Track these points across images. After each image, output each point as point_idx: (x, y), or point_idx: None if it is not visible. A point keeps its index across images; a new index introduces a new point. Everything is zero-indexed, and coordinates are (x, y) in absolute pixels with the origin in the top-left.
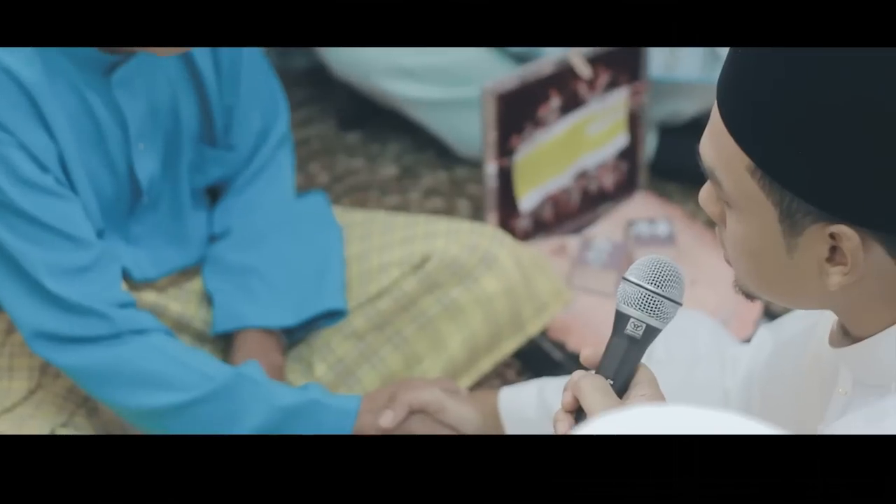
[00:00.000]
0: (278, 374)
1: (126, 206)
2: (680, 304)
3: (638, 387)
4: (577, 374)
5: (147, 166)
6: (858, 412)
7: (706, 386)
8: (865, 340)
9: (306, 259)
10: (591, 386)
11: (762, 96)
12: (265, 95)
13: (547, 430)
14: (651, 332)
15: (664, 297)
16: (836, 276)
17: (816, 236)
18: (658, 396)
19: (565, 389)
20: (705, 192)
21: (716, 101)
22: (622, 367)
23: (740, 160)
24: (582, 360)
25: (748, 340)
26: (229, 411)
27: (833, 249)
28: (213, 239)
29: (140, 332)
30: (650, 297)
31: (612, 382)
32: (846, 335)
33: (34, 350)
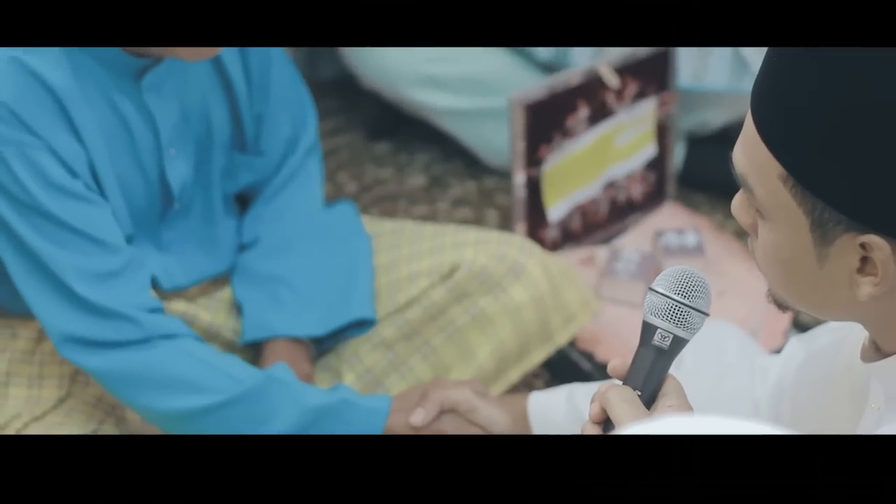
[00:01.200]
0: (307, 383)
1: (158, 213)
2: (707, 315)
3: (665, 398)
4: (605, 385)
5: (179, 172)
6: (893, 426)
7: (736, 395)
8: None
9: (335, 268)
10: (618, 397)
11: (795, 104)
12: (294, 103)
13: (574, 433)
14: (678, 343)
15: (691, 307)
16: (866, 286)
17: (847, 246)
18: (686, 407)
19: (593, 400)
20: (738, 201)
21: (749, 109)
22: (650, 377)
23: (773, 168)
24: (609, 370)
25: (777, 352)
26: (259, 413)
27: (864, 260)
28: (242, 248)
29: (169, 336)
30: (677, 308)
31: (639, 393)
32: (877, 350)
33: (63, 355)
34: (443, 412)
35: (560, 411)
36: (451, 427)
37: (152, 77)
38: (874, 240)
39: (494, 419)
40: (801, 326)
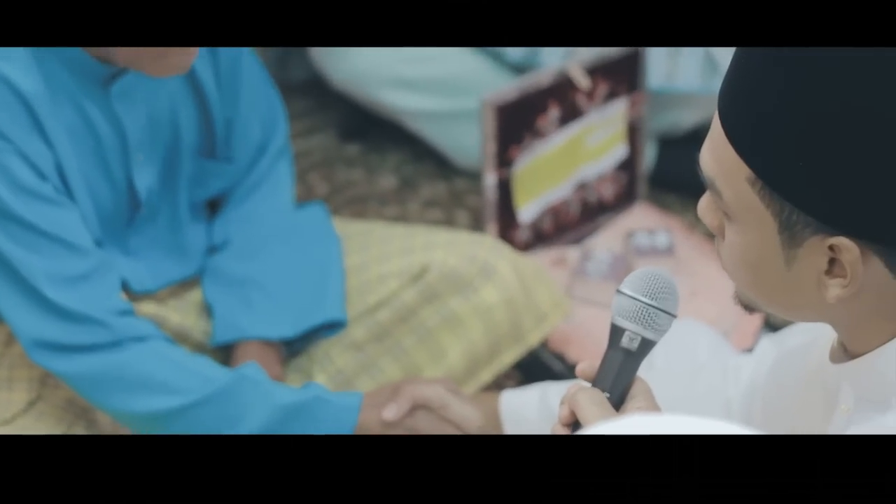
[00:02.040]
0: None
1: (124, 218)
2: (675, 316)
3: (634, 399)
4: (574, 387)
5: (146, 178)
6: (861, 427)
7: (708, 395)
8: (865, 356)
9: (305, 270)
10: (587, 399)
11: (762, 107)
12: (264, 106)
13: (546, 432)
14: (646, 345)
15: (659, 308)
16: (834, 288)
17: (816, 248)
18: (654, 408)
19: (562, 403)
20: (704, 203)
21: (717, 111)
22: (618, 379)
23: (740, 171)
24: (578, 373)
25: (749, 352)
26: (231, 413)
27: (832, 262)
28: (212, 250)
29: (140, 338)
30: (645, 310)
31: (608, 395)
32: (846, 351)
33: (33, 359)
34: (415, 408)
35: (532, 410)
36: (423, 423)
37: (121, 84)
38: (843, 242)
39: (467, 416)
40: (772, 327)
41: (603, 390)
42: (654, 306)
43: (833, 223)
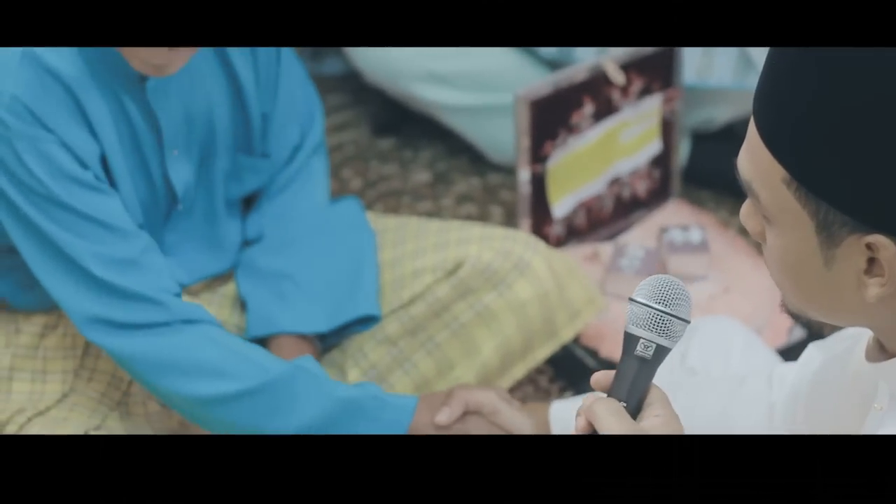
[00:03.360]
0: None
1: (162, 213)
2: (688, 322)
3: (651, 407)
4: (590, 397)
5: (182, 173)
6: (893, 426)
7: (752, 401)
8: None
9: (340, 264)
10: (605, 410)
11: (795, 106)
12: (302, 103)
13: None
14: (661, 352)
15: (673, 315)
16: (874, 287)
17: (853, 248)
18: (672, 416)
19: (578, 414)
20: (745, 209)
21: (752, 114)
22: (634, 388)
23: (776, 172)
24: (592, 383)
25: (782, 349)
26: (285, 402)
27: (871, 261)
28: (246, 244)
29: (193, 321)
30: (659, 317)
31: (625, 404)
32: (883, 350)
33: (88, 337)
34: (467, 413)
35: None
36: (474, 428)
37: (156, 79)
38: (880, 240)
39: (518, 423)
40: (805, 324)
41: (619, 399)
42: (667, 313)
43: (869, 221)
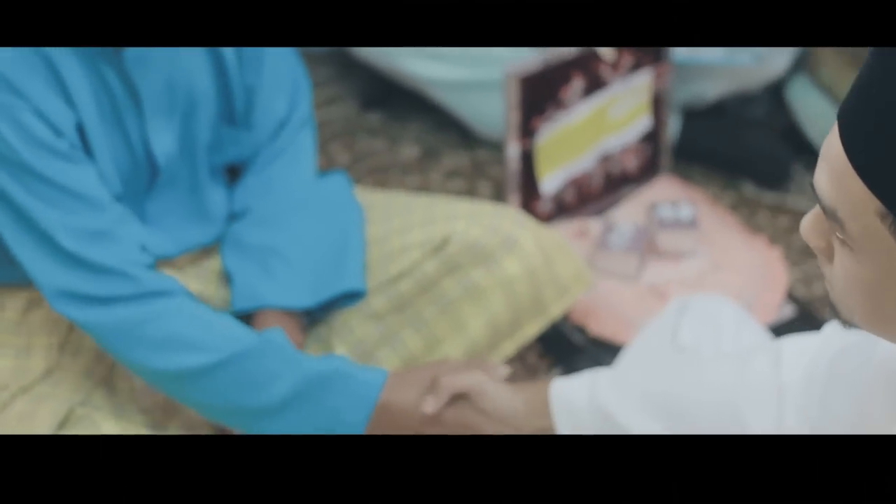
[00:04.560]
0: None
1: (144, 183)
2: None
3: None
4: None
5: (163, 143)
6: None
7: (760, 384)
8: None
9: (326, 239)
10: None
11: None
12: (288, 77)
13: (597, 424)
14: None
15: None
16: None
17: None
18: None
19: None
20: (810, 224)
21: (836, 135)
22: None
23: (870, 203)
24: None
25: (773, 326)
26: (256, 375)
27: None
28: (232, 217)
29: (164, 293)
30: None
31: None
32: None
33: (57, 309)
34: (454, 398)
35: (583, 400)
36: (457, 417)
37: (136, 48)
38: None
39: (506, 405)
40: (795, 300)
41: None
42: None
43: None
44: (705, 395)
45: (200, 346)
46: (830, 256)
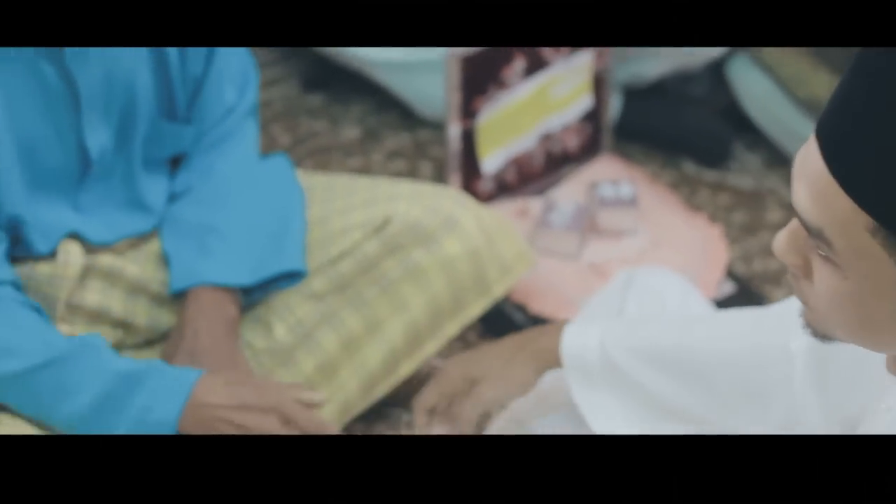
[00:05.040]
0: (232, 327)
1: (74, 175)
2: None
3: None
4: None
5: (98, 137)
6: None
7: (767, 346)
8: None
9: (267, 219)
10: None
11: (884, 151)
12: (238, 67)
13: (607, 379)
14: None
15: None
16: None
17: None
18: None
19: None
20: (785, 241)
21: (813, 151)
22: None
23: (859, 220)
24: None
25: (712, 302)
26: (68, 380)
27: None
28: (172, 198)
29: None
30: None
31: None
32: None
33: None
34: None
35: (594, 356)
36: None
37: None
38: None
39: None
40: (735, 277)
41: None
42: None
43: None
44: (717, 347)
45: (14, 351)
46: (807, 273)
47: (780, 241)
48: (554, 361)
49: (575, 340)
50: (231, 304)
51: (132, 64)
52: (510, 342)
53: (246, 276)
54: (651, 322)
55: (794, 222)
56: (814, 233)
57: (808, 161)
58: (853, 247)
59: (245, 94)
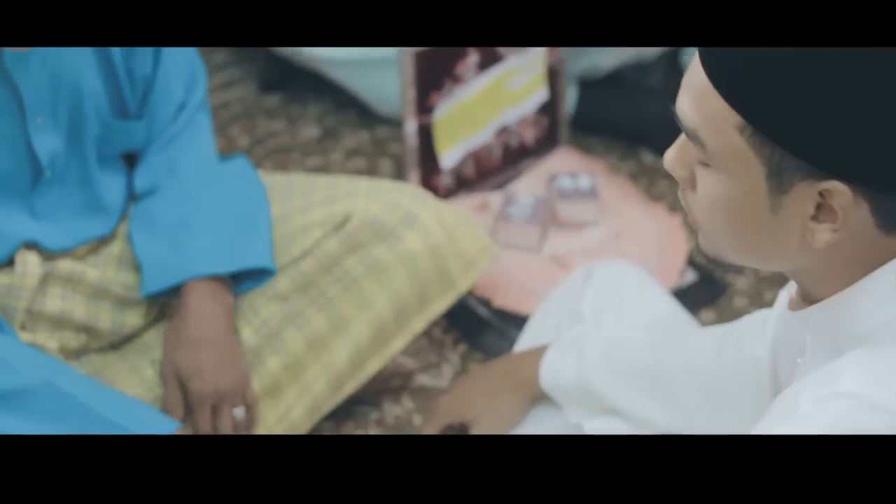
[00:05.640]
0: (231, 315)
1: (26, 181)
2: None
3: None
4: None
5: (47, 142)
6: (811, 375)
7: (739, 358)
8: (824, 301)
9: (235, 215)
10: None
11: (751, 53)
12: (185, 64)
13: (586, 401)
14: None
15: None
16: (823, 233)
17: (804, 194)
18: None
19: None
20: (672, 155)
21: (697, 62)
22: None
23: (729, 118)
24: None
25: (674, 291)
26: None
27: (818, 207)
28: (136, 198)
29: None
30: None
31: None
32: (806, 300)
33: None
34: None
35: (570, 381)
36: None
37: (14, 51)
38: (836, 186)
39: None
40: (696, 266)
41: None
42: None
43: (826, 167)
44: (690, 364)
45: None
46: (693, 185)
47: (669, 153)
48: (539, 390)
49: (553, 374)
50: (228, 294)
51: (77, 66)
52: (494, 374)
53: (221, 264)
54: (626, 342)
55: (682, 137)
56: (691, 135)
57: (692, 71)
58: (724, 145)
59: (194, 89)
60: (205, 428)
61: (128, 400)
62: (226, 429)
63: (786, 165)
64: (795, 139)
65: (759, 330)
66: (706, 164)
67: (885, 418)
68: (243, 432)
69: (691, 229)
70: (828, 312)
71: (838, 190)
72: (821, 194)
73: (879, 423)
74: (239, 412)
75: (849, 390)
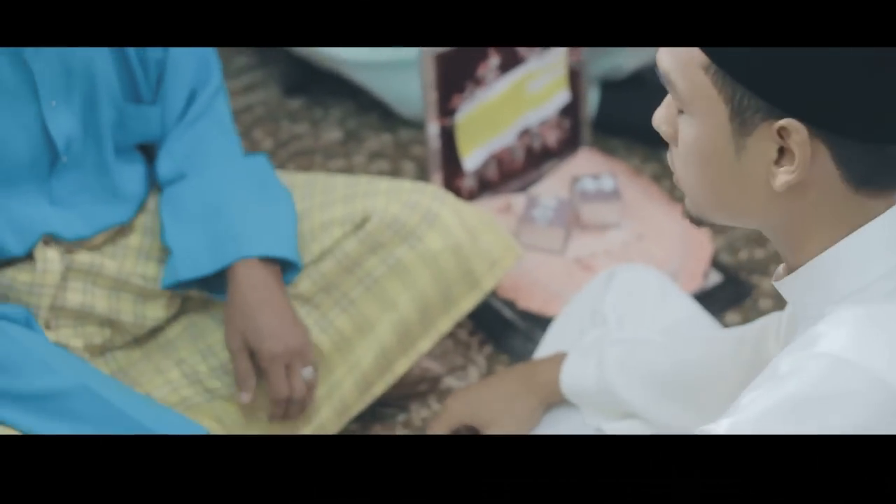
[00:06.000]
0: (281, 282)
1: (45, 166)
2: None
3: None
4: None
5: (63, 125)
6: (793, 343)
7: (756, 359)
8: (802, 267)
9: (267, 208)
10: None
11: None
12: (193, 49)
13: (607, 405)
14: None
15: None
16: (782, 175)
17: (765, 135)
18: None
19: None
20: (660, 112)
21: None
22: None
23: (695, 58)
24: None
25: (698, 294)
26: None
27: (781, 152)
28: (158, 188)
29: None
30: None
31: None
32: (788, 274)
33: None
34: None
35: (591, 385)
36: None
37: None
38: (791, 123)
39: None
40: (720, 267)
41: None
42: None
43: (782, 105)
44: (709, 367)
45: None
46: (677, 142)
47: (657, 112)
48: (556, 395)
49: (573, 378)
50: (275, 267)
51: (89, 49)
52: (511, 377)
53: (274, 249)
54: (646, 346)
55: (669, 96)
56: (665, 79)
57: None
58: (692, 86)
59: (208, 74)
60: (282, 388)
61: (157, 405)
62: (301, 389)
63: (746, 105)
64: (753, 77)
65: (773, 330)
66: (682, 112)
67: (865, 376)
68: (314, 393)
69: (716, 230)
70: (807, 277)
71: (794, 128)
72: (780, 135)
73: (859, 383)
74: (308, 372)
75: (827, 350)
